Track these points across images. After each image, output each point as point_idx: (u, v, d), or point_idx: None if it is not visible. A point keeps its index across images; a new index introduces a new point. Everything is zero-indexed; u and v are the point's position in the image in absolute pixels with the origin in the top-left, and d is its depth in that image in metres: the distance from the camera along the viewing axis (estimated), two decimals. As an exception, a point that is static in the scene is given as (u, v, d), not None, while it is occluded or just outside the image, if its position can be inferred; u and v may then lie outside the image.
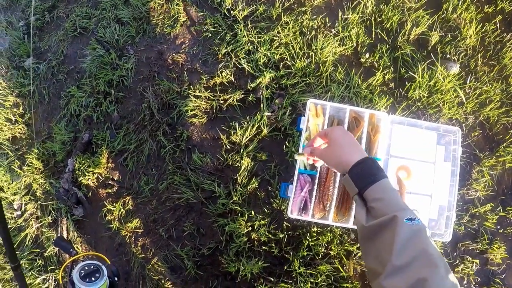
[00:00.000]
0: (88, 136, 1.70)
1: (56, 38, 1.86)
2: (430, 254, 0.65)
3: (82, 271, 0.95)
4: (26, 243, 1.79)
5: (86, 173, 1.68)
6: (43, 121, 1.85)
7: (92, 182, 1.69)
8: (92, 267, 0.96)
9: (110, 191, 1.67)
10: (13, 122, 1.89)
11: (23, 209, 1.83)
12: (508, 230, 1.65)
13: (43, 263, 1.78)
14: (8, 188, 1.84)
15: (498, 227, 1.65)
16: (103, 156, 1.68)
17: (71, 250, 1.11)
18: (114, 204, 1.65)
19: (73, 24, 1.81)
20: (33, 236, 1.80)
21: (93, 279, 0.94)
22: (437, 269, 0.63)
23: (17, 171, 1.83)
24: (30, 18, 1.97)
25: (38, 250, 1.79)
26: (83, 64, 1.77)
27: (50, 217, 1.77)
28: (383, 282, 0.64)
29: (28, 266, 1.75)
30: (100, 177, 1.69)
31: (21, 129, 1.88)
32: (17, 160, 1.85)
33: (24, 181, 1.82)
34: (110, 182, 1.67)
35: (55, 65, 1.83)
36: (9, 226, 1.81)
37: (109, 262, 1.04)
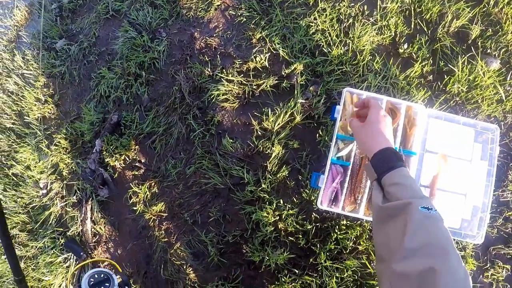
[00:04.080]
0: (117, 117, 1.70)
1: (88, 20, 1.86)
2: (443, 241, 0.66)
3: (92, 279, 0.91)
4: (50, 221, 1.80)
5: (114, 155, 1.68)
6: (72, 101, 1.86)
7: (119, 164, 1.69)
8: (102, 275, 0.92)
9: (136, 173, 1.66)
10: (42, 102, 1.91)
11: (48, 188, 1.84)
12: (544, 236, 1.57)
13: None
14: (35, 166, 1.86)
15: (534, 232, 1.58)
16: (131, 138, 1.67)
17: (81, 253, 1.06)
18: (140, 186, 1.64)
19: (106, 7, 1.82)
20: (57, 215, 1.80)
21: None
22: (449, 256, 0.62)
23: (44, 150, 1.85)
24: (63, 1, 1.99)
25: (61, 229, 1.79)
26: (115, 46, 1.77)
27: (75, 197, 1.78)
28: (394, 265, 0.64)
29: (51, 245, 1.76)
30: (127, 159, 1.68)
31: (50, 109, 1.89)
32: (45, 140, 1.87)
33: (51, 161, 1.83)
34: (137, 164, 1.66)
35: (86, 47, 1.84)
36: (34, 205, 1.83)
37: (121, 270, 1.01)
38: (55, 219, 1.81)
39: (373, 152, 0.90)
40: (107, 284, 0.91)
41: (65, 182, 1.81)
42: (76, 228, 1.78)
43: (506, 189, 1.59)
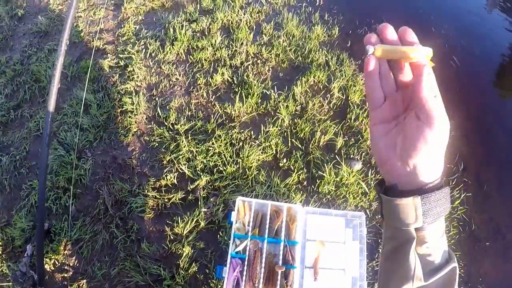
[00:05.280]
0: (48, 225, 1.93)
1: (19, 135, 2.09)
2: None
3: None
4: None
5: (44, 258, 1.90)
6: (2, 209, 2.04)
7: (49, 267, 1.92)
8: None
9: (65, 275, 1.91)
10: (-28, 208, 2.06)
11: (-23, 290, 1.97)
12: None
13: None
14: (-36, 270, 1.98)
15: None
16: (60, 244, 1.92)
17: None
18: (69, 287, 1.88)
19: (37, 125, 2.07)
20: (-15, 317, 1.94)
21: None
22: None
23: (-26, 255, 1.99)
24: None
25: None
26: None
27: (5, 298, 1.94)
28: None
29: None
30: (57, 263, 1.92)
31: (-20, 215, 2.05)
32: (-26, 245, 2.01)
33: (-20, 264, 1.98)
34: (66, 267, 1.90)
35: (18, 160, 2.06)
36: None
37: None
38: (-17, 321, 1.94)
39: (429, 180, 0.46)
40: None
41: (-5, 284, 1.96)
42: (5, 327, 1.94)
43: (378, 260, 2.11)
